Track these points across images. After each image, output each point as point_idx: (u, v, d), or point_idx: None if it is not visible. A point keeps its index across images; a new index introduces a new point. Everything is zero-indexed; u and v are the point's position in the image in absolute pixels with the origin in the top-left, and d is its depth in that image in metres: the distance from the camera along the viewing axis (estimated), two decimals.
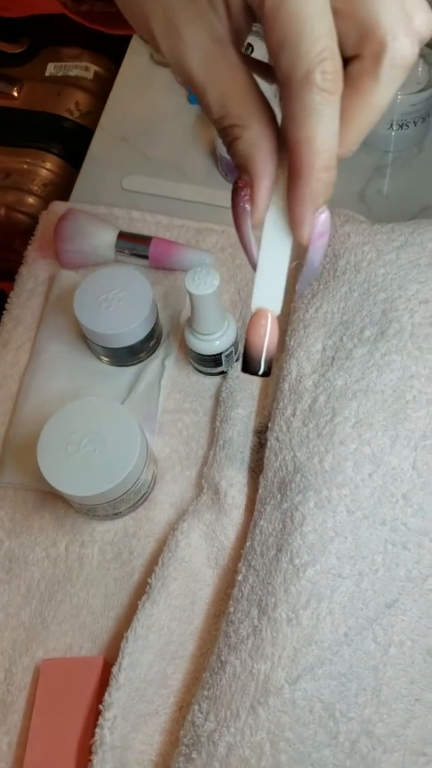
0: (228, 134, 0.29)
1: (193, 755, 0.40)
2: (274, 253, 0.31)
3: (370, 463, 0.44)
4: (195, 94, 0.29)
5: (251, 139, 0.28)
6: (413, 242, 0.51)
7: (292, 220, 0.29)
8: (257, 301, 0.32)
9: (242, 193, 0.29)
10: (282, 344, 0.55)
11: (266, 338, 0.32)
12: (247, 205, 0.29)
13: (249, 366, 0.33)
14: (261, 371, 0.33)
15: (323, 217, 0.29)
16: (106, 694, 0.44)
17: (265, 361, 0.33)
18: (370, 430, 0.45)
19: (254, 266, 0.32)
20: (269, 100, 0.29)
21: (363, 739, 0.39)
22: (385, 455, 0.44)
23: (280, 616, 0.41)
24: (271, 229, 0.30)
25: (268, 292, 0.32)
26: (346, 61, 0.27)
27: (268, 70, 0.29)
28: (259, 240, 0.31)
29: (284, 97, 0.26)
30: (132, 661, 0.45)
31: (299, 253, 0.31)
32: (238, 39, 0.28)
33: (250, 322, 0.32)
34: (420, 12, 0.27)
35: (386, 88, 0.27)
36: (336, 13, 0.25)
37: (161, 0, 0.27)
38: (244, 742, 0.39)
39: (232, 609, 0.44)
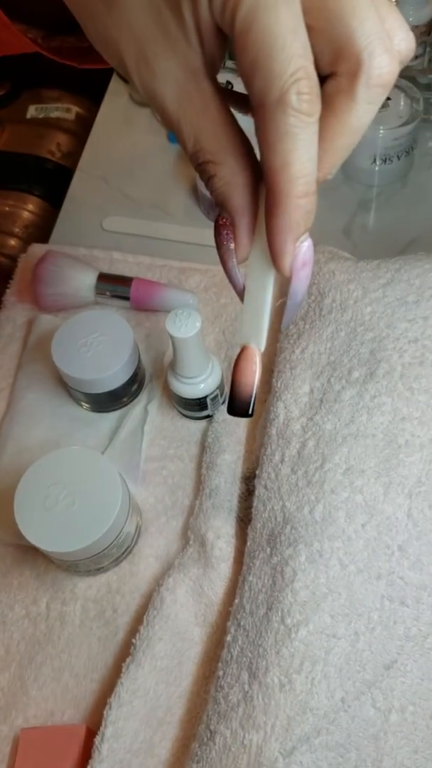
0: (204, 171, 0.27)
1: None
2: (258, 287, 0.30)
3: (363, 513, 0.42)
4: (170, 129, 0.27)
5: (227, 177, 0.27)
6: (400, 279, 0.49)
7: (272, 251, 0.27)
8: (243, 338, 0.31)
9: (224, 231, 0.28)
10: (268, 386, 0.53)
11: (256, 377, 0.30)
12: (230, 244, 0.28)
13: (238, 407, 0.31)
14: (250, 412, 0.31)
15: (305, 246, 0.27)
16: (88, 767, 0.41)
17: (253, 401, 0.31)
18: (362, 477, 0.43)
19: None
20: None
21: None
22: (379, 504, 0.42)
23: (272, 681, 0.38)
24: (255, 261, 0.29)
25: (253, 327, 0.30)
26: (322, 80, 0.25)
27: (243, 101, 0.28)
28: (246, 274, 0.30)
29: (258, 122, 0.25)
30: (116, 730, 0.43)
31: (285, 289, 0.30)
32: (212, 68, 0.27)
33: (237, 360, 0.31)
34: (400, 31, 0.25)
35: (364, 109, 0.25)
36: (310, 29, 0.24)
37: (133, 31, 0.26)
38: None
39: (221, 672, 0.42)
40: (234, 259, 0.28)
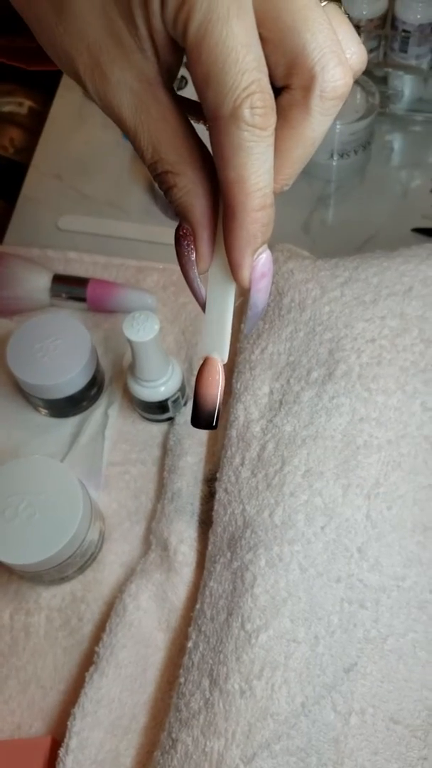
0: (163, 181, 0.27)
1: None
2: (219, 297, 0.29)
3: (322, 515, 0.42)
4: (127, 138, 0.27)
5: (187, 187, 0.27)
6: (357, 278, 0.49)
7: (231, 264, 0.27)
8: (205, 349, 0.30)
9: (185, 242, 0.27)
10: (229, 387, 0.52)
11: (219, 389, 0.30)
12: (192, 254, 0.28)
13: (201, 420, 0.31)
14: (215, 424, 0.31)
15: (263, 257, 0.27)
16: None
17: (217, 413, 0.31)
18: (321, 480, 0.43)
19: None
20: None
21: None
22: (338, 506, 0.42)
23: (232, 688, 0.38)
24: (215, 272, 0.29)
25: (215, 338, 0.30)
26: (278, 91, 0.25)
27: (198, 109, 0.27)
28: (207, 284, 0.30)
29: (212, 135, 0.24)
30: (80, 741, 0.42)
31: (244, 291, 0.30)
32: (168, 78, 0.26)
33: (200, 371, 0.30)
34: (351, 44, 0.25)
35: (318, 121, 0.25)
36: (265, 41, 0.23)
37: (85, 40, 0.25)
38: None
39: (182, 680, 0.41)
40: (195, 270, 0.28)
